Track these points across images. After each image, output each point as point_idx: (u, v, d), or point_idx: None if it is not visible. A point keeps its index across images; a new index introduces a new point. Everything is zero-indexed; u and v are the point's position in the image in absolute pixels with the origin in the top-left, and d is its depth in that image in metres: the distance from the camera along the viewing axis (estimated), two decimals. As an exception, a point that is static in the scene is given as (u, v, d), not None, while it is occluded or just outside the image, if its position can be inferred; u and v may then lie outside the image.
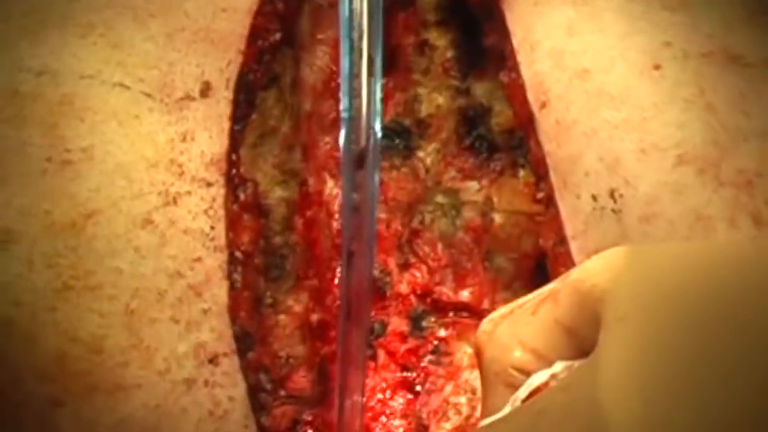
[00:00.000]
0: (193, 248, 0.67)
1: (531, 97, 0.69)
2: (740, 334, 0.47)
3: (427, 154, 0.72)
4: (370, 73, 0.65)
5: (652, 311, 0.49)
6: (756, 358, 0.46)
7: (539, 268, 0.70)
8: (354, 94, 0.65)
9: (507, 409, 0.56)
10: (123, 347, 0.64)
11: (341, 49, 0.66)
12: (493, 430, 0.53)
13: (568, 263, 0.66)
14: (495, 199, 0.70)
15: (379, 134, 0.66)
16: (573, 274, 0.54)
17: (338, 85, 0.70)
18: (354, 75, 0.65)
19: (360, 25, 0.65)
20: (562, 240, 0.67)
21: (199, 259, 0.67)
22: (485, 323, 0.59)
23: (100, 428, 0.64)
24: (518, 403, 0.55)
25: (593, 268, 0.53)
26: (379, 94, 0.66)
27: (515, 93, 0.69)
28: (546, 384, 0.55)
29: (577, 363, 0.54)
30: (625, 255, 0.52)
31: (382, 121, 0.68)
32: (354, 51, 0.66)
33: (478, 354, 0.59)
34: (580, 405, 0.49)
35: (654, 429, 0.47)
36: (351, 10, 0.65)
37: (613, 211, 0.65)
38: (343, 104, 0.66)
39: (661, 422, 0.47)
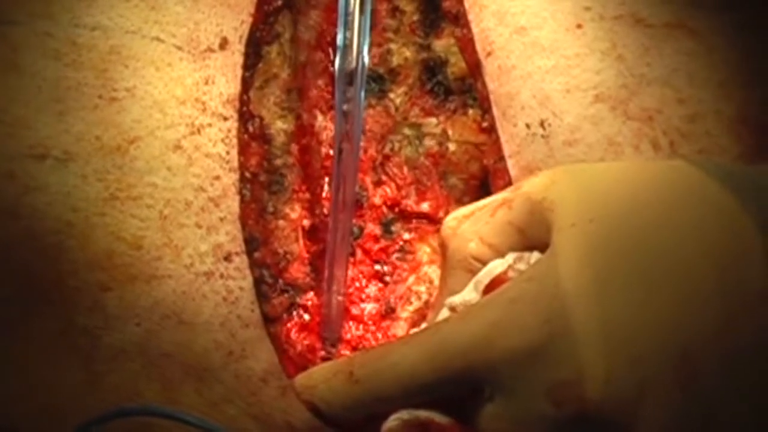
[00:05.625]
0: (212, 168, 0.71)
1: (479, 47, 0.72)
2: (664, 233, 0.54)
3: (396, 96, 0.73)
4: (362, 11, 0.68)
5: (597, 219, 0.55)
6: (679, 250, 0.53)
7: (483, 186, 0.72)
8: (348, 26, 0.68)
9: (469, 288, 0.60)
10: (157, 245, 0.69)
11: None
12: (476, 312, 0.56)
13: (506, 177, 0.71)
14: (449, 132, 0.73)
15: (367, 59, 0.69)
16: (524, 187, 0.59)
17: (327, 41, 0.72)
18: (348, 12, 0.68)
19: None
20: (500, 158, 0.71)
21: (217, 177, 0.71)
22: (449, 220, 0.64)
23: (138, 309, 0.69)
24: (481, 285, 0.59)
25: (542, 183, 0.58)
26: (368, 27, 0.68)
27: (466, 45, 0.73)
28: (505, 273, 0.59)
29: (526, 254, 0.59)
30: (568, 173, 0.58)
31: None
32: None
33: (443, 245, 0.63)
34: (546, 295, 0.54)
35: (607, 311, 0.53)
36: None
37: (543, 137, 0.71)
38: (339, 35, 0.68)
39: (612, 306, 0.53)
